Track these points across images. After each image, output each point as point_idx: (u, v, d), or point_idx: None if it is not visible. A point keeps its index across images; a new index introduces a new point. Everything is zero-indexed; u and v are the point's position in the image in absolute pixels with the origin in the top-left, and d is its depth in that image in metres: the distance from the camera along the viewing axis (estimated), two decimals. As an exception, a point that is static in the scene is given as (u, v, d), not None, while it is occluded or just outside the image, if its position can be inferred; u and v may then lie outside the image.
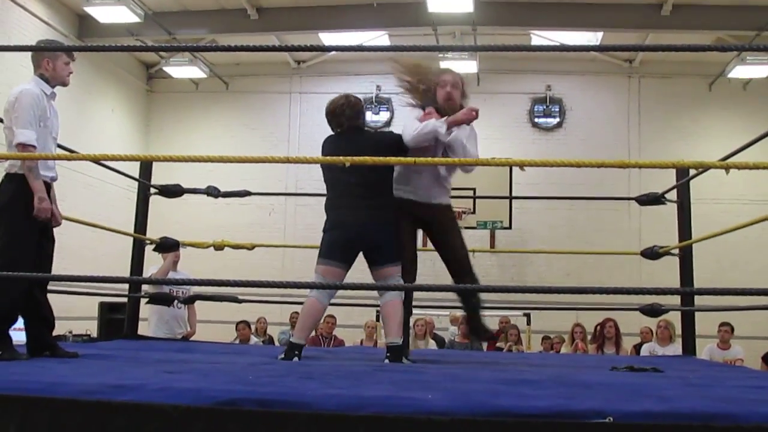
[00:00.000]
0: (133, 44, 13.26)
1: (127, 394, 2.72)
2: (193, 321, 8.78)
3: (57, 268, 4.62)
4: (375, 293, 8.26)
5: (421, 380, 3.47)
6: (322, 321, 11.41)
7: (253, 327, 11.74)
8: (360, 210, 4.86)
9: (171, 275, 7.89)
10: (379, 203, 4.93)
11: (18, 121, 4.33)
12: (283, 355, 4.85)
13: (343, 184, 4.91)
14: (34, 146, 4.29)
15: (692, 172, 6.37)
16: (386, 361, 4.76)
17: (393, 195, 5.03)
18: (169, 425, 2.56)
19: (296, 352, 4.84)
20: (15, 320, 4.40)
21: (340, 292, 5.58)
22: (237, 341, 10.82)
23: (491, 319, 12.58)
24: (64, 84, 4.72)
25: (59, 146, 4.97)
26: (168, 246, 6.93)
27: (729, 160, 4.25)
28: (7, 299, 4.28)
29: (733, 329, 10.13)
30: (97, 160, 4.56)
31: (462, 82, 5.31)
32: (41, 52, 4.62)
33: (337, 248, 4.93)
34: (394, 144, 5.03)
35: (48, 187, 4.47)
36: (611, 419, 2.47)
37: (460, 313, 10.32)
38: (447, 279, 5.25)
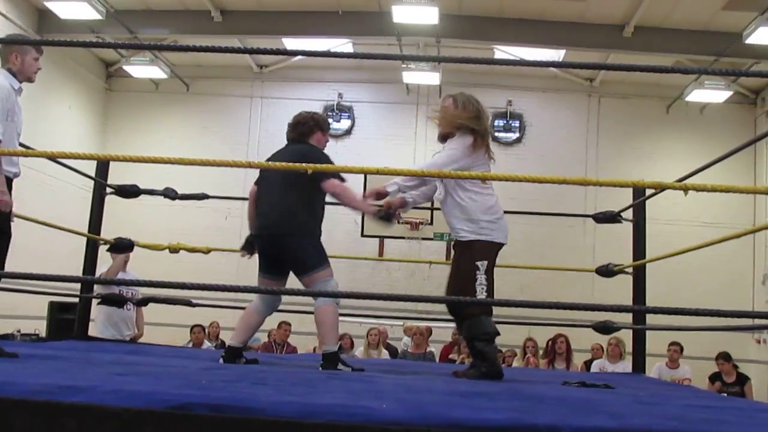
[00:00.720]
0: (94, 42, 13.10)
1: (77, 395, 2.67)
2: (141, 323, 8.69)
3: (7, 266, 4.50)
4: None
5: (375, 390, 3.46)
6: (276, 327, 11.38)
7: (206, 331, 11.64)
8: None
9: (121, 275, 7.78)
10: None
11: None
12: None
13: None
14: (1, 141, 4.21)
15: (648, 192, 6.46)
16: (320, 368, 4.77)
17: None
18: (120, 428, 2.52)
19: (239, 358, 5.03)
20: None
21: (294, 299, 5.61)
22: (190, 345, 10.73)
23: (445, 331, 12.65)
24: (30, 80, 4.65)
25: (17, 142, 4.89)
26: (122, 247, 6.86)
27: (686, 182, 4.31)
28: None
29: (682, 349, 10.28)
30: (53, 158, 4.47)
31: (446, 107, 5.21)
32: (10, 45, 4.54)
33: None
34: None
35: (10, 182, 4.38)
36: (565, 434, 2.48)
37: (412, 323, 10.34)
38: (399, 289, 5.25)
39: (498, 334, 4.86)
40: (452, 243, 5.19)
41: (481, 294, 4.68)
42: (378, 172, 3.45)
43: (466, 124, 4.92)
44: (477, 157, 4.86)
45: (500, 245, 5.01)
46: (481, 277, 4.77)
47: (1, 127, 4.22)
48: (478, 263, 4.81)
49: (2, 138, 4.20)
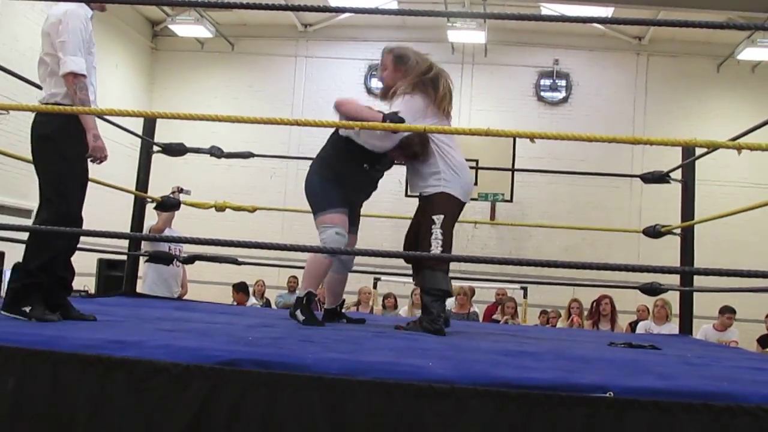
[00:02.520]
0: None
1: (127, 350, 2.71)
2: (185, 281, 8.78)
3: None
4: (369, 260, 8.24)
5: (421, 348, 3.47)
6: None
7: (251, 289, 11.71)
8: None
9: (167, 233, 7.85)
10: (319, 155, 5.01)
11: (65, 46, 3.81)
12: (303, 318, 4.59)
13: None
14: (84, 76, 3.84)
15: (698, 152, 6.34)
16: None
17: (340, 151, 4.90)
18: (169, 382, 2.56)
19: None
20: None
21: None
22: (235, 304, 10.84)
23: (488, 291, 12.64)
24: (102, 9, 4.29)
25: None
26: (170, 205, 6.91)
27: (738, 141, 4.22)
28: (54, 249, 3.82)
29: (735, 314, 10.10)
30: (101, 115, 4.45)
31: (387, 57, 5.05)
32: None
33: None
34: None
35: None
36: (612, 394, 2.46)
37: (458, 284, 10.33)
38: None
39: (450, 294, 4.79)
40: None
41: (436, 248, 4.57)
42: (425, 131, 3.41)
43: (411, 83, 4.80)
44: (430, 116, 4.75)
45: (460, 202, 4.82)
46: (436, 231, 4.63)
47: (82, 60, 3.84)
48: (434, 217, 4.66)
49: (84, 72, 3.84)
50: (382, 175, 5.05)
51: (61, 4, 3.99)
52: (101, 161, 3.96)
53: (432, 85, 4.80)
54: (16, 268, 3.84)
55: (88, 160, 3.93)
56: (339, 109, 4.72)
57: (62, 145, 3.82)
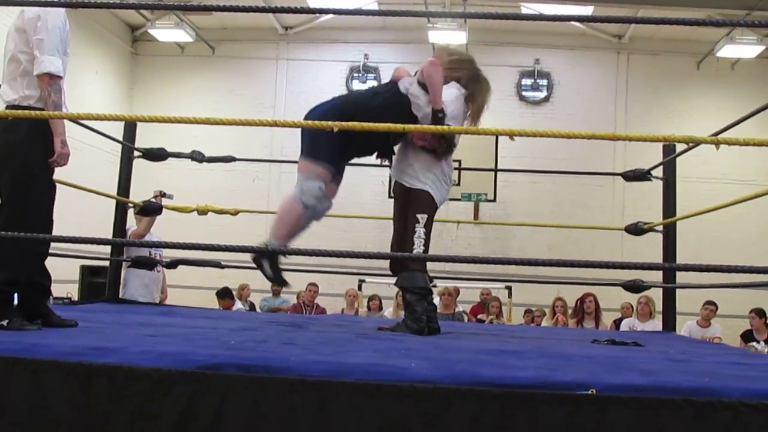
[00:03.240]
0: (118, 3, 13.08)
1: (108, 356, 2.70)
2: (165, 286, 8.76)
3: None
4: (353, 261, 8.25)
5: (404, 348, 3.47)
6: (304, 289, 11.43)
7: (235, 293, 11.68)
8: None
9: (147, 238, 7.81)
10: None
11: (43, 45, 3.68)
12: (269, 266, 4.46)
13: None
14: (61, 77, 3.71)
15: (679, 149, 6.37)
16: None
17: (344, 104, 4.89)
18: (151, 388, 2.55)
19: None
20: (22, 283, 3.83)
21: (322, 260, 5.49)
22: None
23: (473, 291, 12.65)
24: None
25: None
26: (151, 210, 6.89)
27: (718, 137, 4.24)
28: (19, 259, 3.71)
29: (717, 308, 10.19)
30: (80, 119, 4.40)
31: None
32: None
33: None
34: None
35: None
36: (594, 391, 2.48)
37: (443, 284, 10.35)
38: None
39: (431, 292, 4.76)
40: (394, 186, 5.06)
41: (419, 248, 4.59)
42: (404, 130, 3.42)
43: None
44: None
45: (437, 207, 4.87)
46: (419, 230, 4.67)
47: (59, 61, 3.72)
48: (419, 216, 4.70)
49: (61, 73, 3.71)
50: (373, 153, 5.01)
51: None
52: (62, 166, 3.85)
53: (479, 95, 4.94)
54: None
55: (51, 165, 3.83)
56: (428, 70, 4.59)
57: (33, 150, 3.71)
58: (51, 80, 3.68)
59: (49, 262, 4.12)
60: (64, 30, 3.80)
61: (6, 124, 3.71)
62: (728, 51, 14.42)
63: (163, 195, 7.34)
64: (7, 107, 3.79)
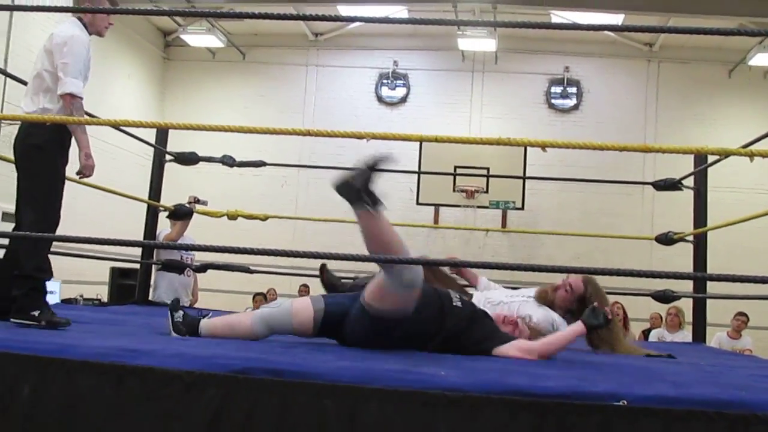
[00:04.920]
0: (151, 9, 13.23)
1: (141, 358, 2.72)
2: (196, 290, 8.80)
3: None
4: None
5: (434, 356, 3.47)
6: (297, 292, 11.51)
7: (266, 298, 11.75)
8: None
9: (180, 241, 7.86)
10: None
11: (67, 68, 4.03)
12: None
13: None
14: (81, 98, 4.02)
15: (711, 159, 6.33)
16: None
17: None
18: (183, 390, 2.57)
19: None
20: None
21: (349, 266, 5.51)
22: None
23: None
24: (100, 34, 4.46)
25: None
26: (182, 213, 6.95)
27: (750, 148, 4.21)
28: (43, 257, 4.02)
29: (748, 319, 10.08)
30: (116, 126, 4.51)
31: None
32: None
33: None
34: None
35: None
36: (625, 402, 2.46)
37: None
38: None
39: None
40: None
41: None
42: (436, 140, 3.43)
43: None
44: None
45: None
46: None
47: (80, 83, 4.05)
48: None
49: (81, 94, 4.03)
50: None
51: (67, 26, 4.23)
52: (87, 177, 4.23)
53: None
54: (16, 275, 3.94)
55: (77, 175, 4.23)
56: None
57: (52, 155, 4.04)
58: (72, 100, 4.00)
59: (80, 263, 4.25)
60: (87, 56, 4.15)
61: (26, 132, 4.08)
62: (760, 59, 14.30)
63: (197, 201, 7.39)
64: None
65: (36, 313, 3.78)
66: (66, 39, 4.11)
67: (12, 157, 4.22)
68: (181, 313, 3.75)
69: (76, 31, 4.20)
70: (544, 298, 4.69)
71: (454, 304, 3.84)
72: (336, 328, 3.73)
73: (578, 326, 3.84)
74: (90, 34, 4.34)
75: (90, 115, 5.28)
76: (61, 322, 3.82)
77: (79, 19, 4.32)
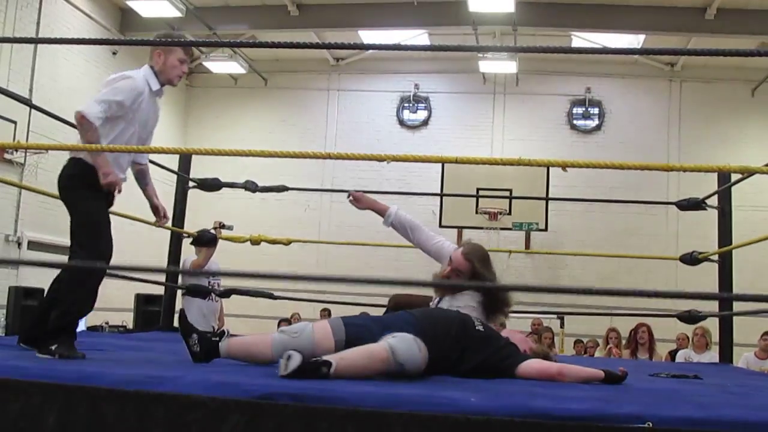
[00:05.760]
0: (175, 41, 13.39)
1: (165, 385, 2.74)
2: (222, 315, 8.83)
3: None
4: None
5: (457, 380, 3.45)
6: (319, 316, 11.50)
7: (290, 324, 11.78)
8: None
9: (207, 268, 7.90)
10: None
11: (97, 95, 3.99)
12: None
13: None
14: (91, 123, 3.87)
15: (734, 177, 6.29)
16: None
17: None
18: (207, 417, 2.58)
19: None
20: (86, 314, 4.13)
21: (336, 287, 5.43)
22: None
23: (524, 321, 12.54)
24: (172, 83, 4.31)
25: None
26: (205, 240, 6.98)
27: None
28: (85, 291, 3.93)
29: (777, 338, 9.94)
30: (138, 153, 4.51)
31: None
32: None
33: None
34: None
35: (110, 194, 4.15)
36: (650, 424, 2.44)
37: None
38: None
39: None
40: None
41: None
42: (457, 161, 3.44)
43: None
44: None
45: None
46: None
47: (103, 114, 3.90)
48: None
49: (96, 123, 3.88)
50: None
51: (135, 70, 4.18)
52: (118, 191, 4.12)
53: None
54: (56, 307, 3.88)
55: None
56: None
57: (79, 189, 3.99)
58: (81, 120, 3.88)
59: (107, 291, 4.23)
60: (131, 98, 4.03)
61: (64, 164, 4.08)
62: (784, 78, 14.23)
63: (222, 226, 7.43)
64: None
65: (53, 347, 3.69)
66: (121, 75, 4.10)
67: (40, 187, 4.24)
68: (195, 337, 3.73)
69: (135, 74, 4.13)
70: (441, 291, 4.57)
71: (477, 328, 3.84)
72: None
73: (599, 372, 3.82)
74: (161, 84, 4.25)
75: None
76: (78, 357, 3.69)
77: (151, 68, 4.23)
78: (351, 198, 5.19)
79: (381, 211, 5.19)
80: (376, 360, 3.34)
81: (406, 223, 5.18)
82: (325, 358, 3.24)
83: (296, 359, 3.13)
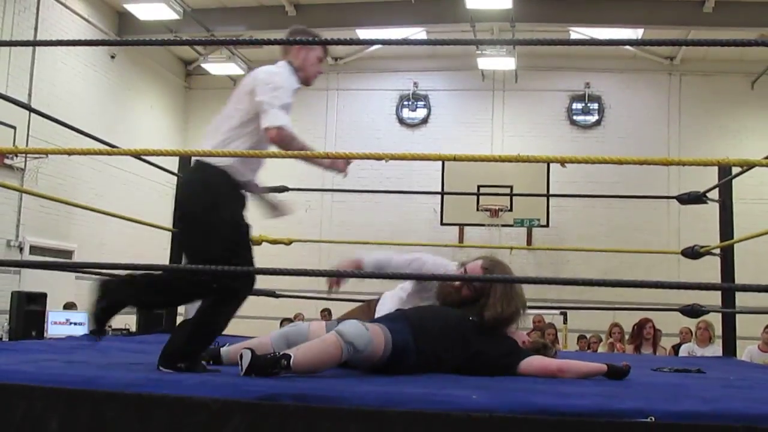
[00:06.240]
0: (172, 39, 13.42)
1: (166, 387, 2.74)
2: None
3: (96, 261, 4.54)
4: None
5: (457, 378, 3.45)
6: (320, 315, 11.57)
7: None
8: None
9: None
10: None
11: (276, 99, 3.63)
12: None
13: None
14: (291, 134, 3.66)
15: (734, 171, 6.28)
16: None
17: None
18: (209, 418, 2.57)
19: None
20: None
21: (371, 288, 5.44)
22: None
23: (527, 318, 12.53)
24: (308, 82, 4.02)
25: (101, 141, 4.93)
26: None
27: (773, 159, 4.17)
28: (225, 317, 3.60)
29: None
30: (137, 155, 4.51)
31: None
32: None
33: None
34: None
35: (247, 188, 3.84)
36: (653, 419, 2.44)
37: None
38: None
39: None
40: None
41: None
42: (455, 159, 3.43)
43: None
44: None
45: None
46: None
47: (284, 116, 3.63)
48: None
49: (284, 126, 3.61)
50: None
51: (274, 66, 3.90)
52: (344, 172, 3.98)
53: None
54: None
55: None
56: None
57: (224, 223, 3.65)
58: (281, 134, 3.66)
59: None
60: (289, 93, 3.81)
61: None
62: (783, 70, 14.22)
63: None
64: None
65: (182, 366, 3.31)
66: (275, 72, 3.79)
67: (40, 192, 4.16)
68: None
69: (285, 71, 3.84)
70: (450, 301, 4.14)
71: (472, 319, 3.85)
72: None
73: (602, 366, 3.82)
74: (300, 82, 3.94)
75: (111, 146, 5.34)
76: (202, 370, 3.36)
77: (289, 63, 3.92)
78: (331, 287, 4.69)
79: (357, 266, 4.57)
80: (328, 344, 3.37)
81: (376, 265, 4.48)
82: (283, 351, 3.28)
83: (248, 355, 3.16)
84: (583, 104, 15.69)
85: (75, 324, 9.56)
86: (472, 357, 3.72)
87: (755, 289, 3.12)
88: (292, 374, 3.19)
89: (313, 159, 3.87)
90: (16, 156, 10.73)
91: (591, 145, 15.15)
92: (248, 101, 3.69)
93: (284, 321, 11.48)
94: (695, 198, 6.46)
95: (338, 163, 3.88)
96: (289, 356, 3.20)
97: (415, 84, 16.06)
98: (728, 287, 6.03)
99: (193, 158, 3.84)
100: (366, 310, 4.67)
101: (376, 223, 14.46)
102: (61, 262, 11.21)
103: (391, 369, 3.52)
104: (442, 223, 13.75)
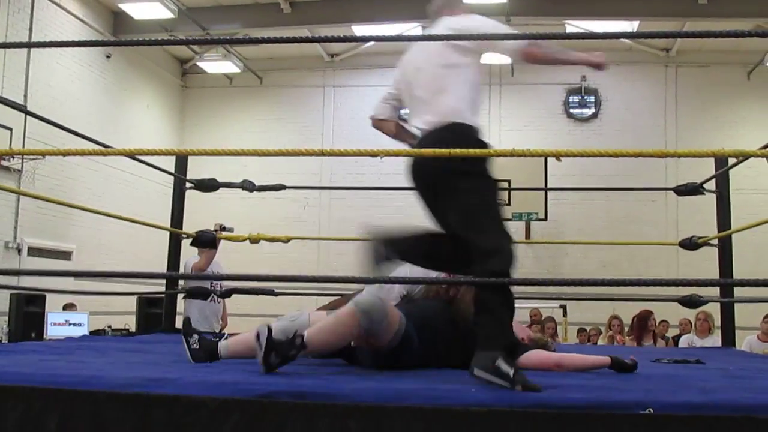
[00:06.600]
0: (168, 39, 13.42)
1: (165, 386, 2.74)
2: (225, 315, 8.83)
3: (96, 264, 4.55)
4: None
5: (456, 372, 3.45)
6: None
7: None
8: None
9: (210, 269, 7.90)
10: None
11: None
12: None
13: None
14: (543, 48, 3.69)
15: (731, 161, 6.28)
16: None
17: None
18: (208, 417, 2.58)
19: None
20: None
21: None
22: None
23: (524, 311, 12.55)
24: None
25: (96, 142, 4.92)
26: (204, 240, 6.97)
27: (769, 149, 4.18)
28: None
29: (778, 321, 9.95)
30: (133, 155, 4.51)
31: None
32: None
33: None
34: None
35: None
36: (651, 410, 2.44)
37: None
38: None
39: None
40: None
41: None
42: (450, 154, 3.42)
43: None
44: None
45: None
46: None
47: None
48: None
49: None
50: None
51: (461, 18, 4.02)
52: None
53: None
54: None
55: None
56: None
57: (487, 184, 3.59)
58: (533, 51, 3.73)
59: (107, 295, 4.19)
60: None
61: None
62: (779, 60, 14.23)
63: (222, 228, 7.42)
64: None
65: (511, 373, 2.85)
66: (469, 19, 3.96)
67: (37, 193, 4.13)
68: (196, 337, 3.74)
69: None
70: (440, 298, 4.04)
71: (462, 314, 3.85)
72: (349, 350, 3.77)
73: (605, 358, 3.81)
74: None
75: (107, 146, 5.34)
76: (537, 388, 2.80)
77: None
78: None
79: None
80: (343, 316, 3.40)
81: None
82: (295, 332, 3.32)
83: (264, 332, 3.21)
84: (580, 97, 15.68)
85: (74, 325, 9.57)
86: (469, 352, 3.72)
87: (752, 283, 3.13)
88: (308, 353, 3.27)
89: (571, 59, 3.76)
90: (13, 157, 10.72)
91: (588, 137, 15.16)
92: (451, 53, 3.81)
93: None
94: (692, 189, 6.47)
95: (593, 57, 3.73)
96: (302, 335, 3.22)
97: (411, 80, 16.04)
98: (724, 282, 6.03)
99: (440, 119, 3.73)
100: (344, 304, 4.64)
101: (375, 219, 14.41)
102: (62, 271, 11.20)
103: (393, 359, 3.52)
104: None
